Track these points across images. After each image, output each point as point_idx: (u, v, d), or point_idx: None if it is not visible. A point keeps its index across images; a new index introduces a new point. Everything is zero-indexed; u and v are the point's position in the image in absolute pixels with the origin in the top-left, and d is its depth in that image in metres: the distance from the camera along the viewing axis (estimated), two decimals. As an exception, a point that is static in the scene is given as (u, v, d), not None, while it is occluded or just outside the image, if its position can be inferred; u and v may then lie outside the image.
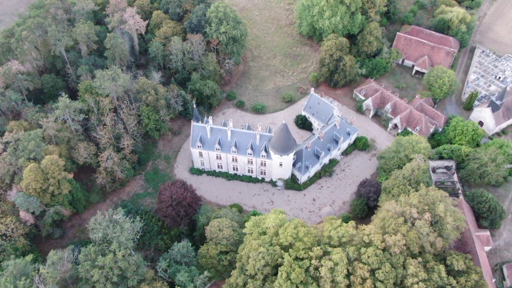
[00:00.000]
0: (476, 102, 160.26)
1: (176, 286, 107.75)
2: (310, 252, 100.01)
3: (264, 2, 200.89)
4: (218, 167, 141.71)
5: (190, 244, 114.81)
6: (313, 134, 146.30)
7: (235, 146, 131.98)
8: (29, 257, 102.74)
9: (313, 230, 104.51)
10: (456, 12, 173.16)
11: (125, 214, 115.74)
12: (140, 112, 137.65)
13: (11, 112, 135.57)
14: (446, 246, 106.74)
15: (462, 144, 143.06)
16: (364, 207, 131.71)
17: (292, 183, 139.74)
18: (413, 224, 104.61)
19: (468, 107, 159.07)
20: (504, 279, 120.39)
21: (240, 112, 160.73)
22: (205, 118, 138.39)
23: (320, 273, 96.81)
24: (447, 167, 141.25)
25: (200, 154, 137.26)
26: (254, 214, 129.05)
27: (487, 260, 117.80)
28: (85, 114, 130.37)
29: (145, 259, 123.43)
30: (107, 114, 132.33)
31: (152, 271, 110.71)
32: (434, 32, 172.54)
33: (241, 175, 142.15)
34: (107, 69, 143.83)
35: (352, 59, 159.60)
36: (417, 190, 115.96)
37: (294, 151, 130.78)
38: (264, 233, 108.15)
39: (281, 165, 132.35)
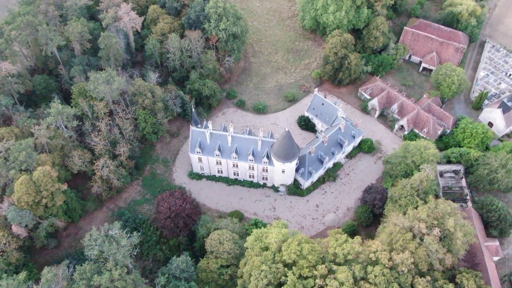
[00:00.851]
0: (485, 101, 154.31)
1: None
2: (314, 271, 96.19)
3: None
4: (218, 172, 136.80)
5: (190, 258, 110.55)
6: (317, 137, 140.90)
7: (236, 152, 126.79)
8: (22, 276, 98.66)
9: (317, 247, 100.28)
10: (465, 5, 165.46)
11: (121, 227, 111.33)
12: (136, 115, 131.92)
13: (2, 117, 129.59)
14: (455, 262, 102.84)
15: (471, 147, 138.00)
16: (369, 214, 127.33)
17: (294, 189, 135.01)
18: (421, 240, 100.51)
19: (478, 106, 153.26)
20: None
21: (240, 112, 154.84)
22: (205, 121, 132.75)
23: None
24: (455, 171, 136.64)
25: (200, 160, 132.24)
26: (256, 223, 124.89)
27: (496, 272, 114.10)
28: (78, 121, 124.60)
29: (144, 270, 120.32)
30: (102, 119, 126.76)
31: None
32: (442, 26, 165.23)
33: (242, 180, 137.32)
34: (102, 69, 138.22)
35: (357, 57, 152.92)
36: (425, 202, 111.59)
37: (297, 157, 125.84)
38: (267, 248, 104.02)
39: (283, 171, 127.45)
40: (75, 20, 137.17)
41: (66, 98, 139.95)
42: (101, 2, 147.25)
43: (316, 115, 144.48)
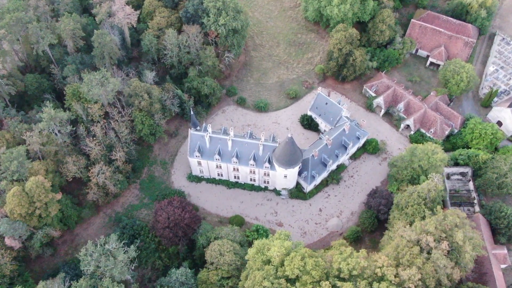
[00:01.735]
0: (495, 98, 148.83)
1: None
2: (318, 287, 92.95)
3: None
4: (218, 175, 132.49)
5: (190, 269, 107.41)
6: (320, 138, 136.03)
7: (237, 156, 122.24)
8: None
9: (321, 262, 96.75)
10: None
11: (119, 233, 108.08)
12: (133, 117, 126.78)
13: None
14: (463, 276, 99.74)
15: (479, 149, 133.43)
16: (374, 220, 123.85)
17: (297, 192, 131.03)
18: (428, 253, 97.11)
19: (487, 104, 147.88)
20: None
21: (241, 110, 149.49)
22: (204, 124, 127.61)
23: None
24: (462, 174, 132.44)
25: (199, 163, 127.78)
26: (257, 229, 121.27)
27: (503, 281, 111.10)
28: (72, 126, 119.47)
29: (142, 279, 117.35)
30: (98, 122, 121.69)
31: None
32: (451, 19, 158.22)
33: (243, 183, 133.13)
34: (96, 67, 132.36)
35: (362, 54, 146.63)
36: (433, 211, 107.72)
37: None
38: (269, 261, 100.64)
39: (285, 176, 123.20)
40: (67, 16, 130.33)
41: (60, 98, 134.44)
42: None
43: (320, 115, 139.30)
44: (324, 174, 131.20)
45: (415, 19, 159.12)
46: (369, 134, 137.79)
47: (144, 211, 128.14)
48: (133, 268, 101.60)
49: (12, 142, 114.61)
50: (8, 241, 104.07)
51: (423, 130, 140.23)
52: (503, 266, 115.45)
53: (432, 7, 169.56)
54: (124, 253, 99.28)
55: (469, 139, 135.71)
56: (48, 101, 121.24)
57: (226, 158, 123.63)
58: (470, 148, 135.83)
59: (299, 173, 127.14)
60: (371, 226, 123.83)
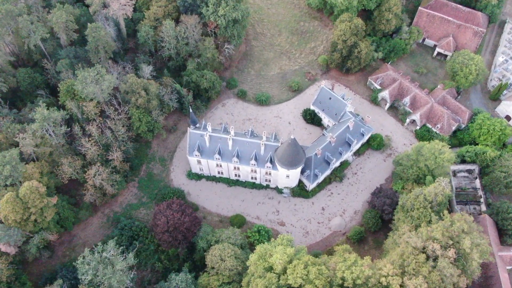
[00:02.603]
0: (504, 91, 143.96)
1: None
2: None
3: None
4: (219, 173, 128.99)
5: (190, 274, 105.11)
6: (323, 134, 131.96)
7: (237, 156, 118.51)
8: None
9: (324, 270, 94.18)
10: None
11: (117, 241, 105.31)
12: (130, 115, 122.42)
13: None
14: (469, 284, 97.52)
15: (487, 145, 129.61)
16: (378, 220, 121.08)
17: (299, 190, 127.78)
18: (435, 261, 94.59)
19: (495, 97, 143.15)
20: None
21: (241, 104, 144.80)
22: (203, 121, 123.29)
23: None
24: (469, 171, 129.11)
25: (198, 162, 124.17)
26: (259, 230, 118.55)
27: (509, 283, 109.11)
28: (67, 126, 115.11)
29: (142, 281, 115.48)
30: (94, 120, 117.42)
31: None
32: (460, 6, 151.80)
33: (244, 181, 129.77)
34: (91, 62, 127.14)
35: (368, 45, 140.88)
36: (439, 216, 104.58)
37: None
38: (271, 268, 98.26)
39: (288, 176, 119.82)
40: (59, 7, 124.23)
41: (53, 93, 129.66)
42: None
43: (323, 110, 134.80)
44: (327, 172, 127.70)
45: (422, 7, 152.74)
46: (373, 130, 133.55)
47: (143, 210, 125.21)
48: (132, 276, 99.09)
49: (5, 143, 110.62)
50: (3, 248, 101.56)
51: (429, 125, 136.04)
52: (509, 267, 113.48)
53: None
54: (123, 260, 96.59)
55: (476, 135, 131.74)
56: (41, 98, 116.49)
57: (227, 158, 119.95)
58: (477, 144, 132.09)
59: (302, 172, 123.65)
60: (375, 226, 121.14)
